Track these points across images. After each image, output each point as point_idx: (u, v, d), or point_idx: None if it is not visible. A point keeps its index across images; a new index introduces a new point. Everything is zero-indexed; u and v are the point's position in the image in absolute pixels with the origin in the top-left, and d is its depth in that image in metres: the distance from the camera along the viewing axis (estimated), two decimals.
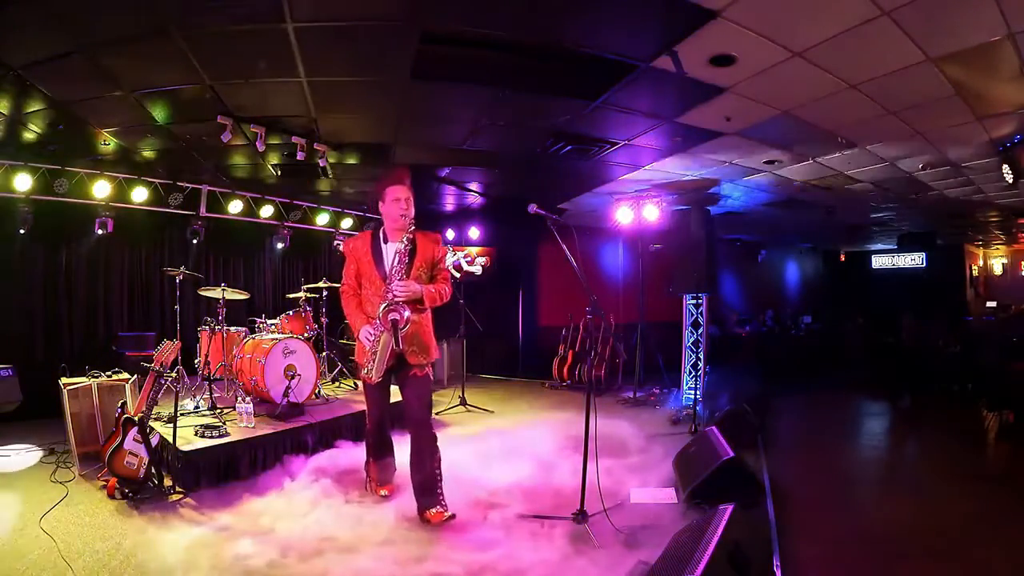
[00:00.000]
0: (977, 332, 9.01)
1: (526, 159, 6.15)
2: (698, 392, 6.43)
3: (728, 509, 2.51)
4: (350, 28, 3.43)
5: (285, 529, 3.21)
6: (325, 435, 4.71)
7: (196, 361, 5.86)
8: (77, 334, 6.52)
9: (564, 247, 3.29)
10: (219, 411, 4.86)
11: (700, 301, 6.93)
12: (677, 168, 6.44)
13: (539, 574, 2.78)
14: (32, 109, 4.59)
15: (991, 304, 13.40)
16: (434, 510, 3.28)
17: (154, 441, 3.72)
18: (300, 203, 8.04)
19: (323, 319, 6.60)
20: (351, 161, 6.22)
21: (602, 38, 3.60)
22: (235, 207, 7.34)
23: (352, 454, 4.42)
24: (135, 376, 4.47)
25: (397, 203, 3.28)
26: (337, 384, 6.43)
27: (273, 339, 5.07)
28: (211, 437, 4.12)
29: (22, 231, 5.98)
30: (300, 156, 5.30)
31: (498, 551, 2.96)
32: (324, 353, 6.42)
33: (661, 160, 6.13)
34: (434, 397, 4.17)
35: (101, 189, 6.23)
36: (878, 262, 14.74)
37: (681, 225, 6.67)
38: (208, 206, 7.21)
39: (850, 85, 4.08)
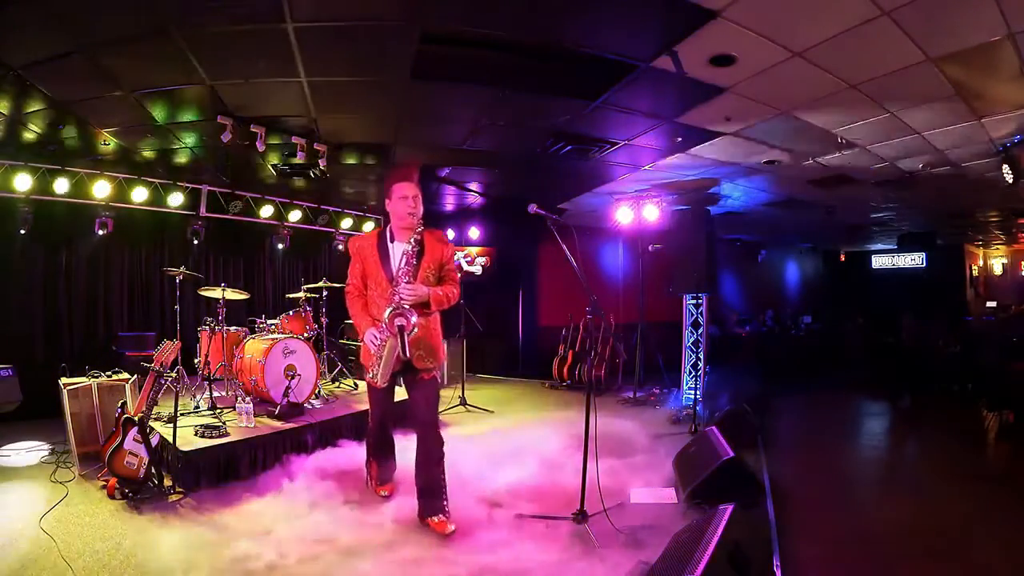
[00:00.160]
0: (977, 332, 9.01)
1: (526, 159, 6.15)
2: (698, 392, 6.43)
3: (728, 509, 2.51)
4: (350, 28, 3.43)
5: (285, 530, 3.21)
6: (325, 435, 4.71)
7: (196, 361, 5.85)
8: (77, 334, 6.52)
9: (564, 247, 3.28)
10: (219, 411, 4.86)
11: (700, 301, 6.93)
12: (677, 168, 6.45)
13: (538, 574, 2.77)
14: (32, 109, 4.59)
15: (991, 304, 13.39)
16: (437, 518, 3.21)
17: (154, 441, 3.72)
18: (300, 203, 8.05)
19: (323, 319, 6.60)
20: (351, 161, 6.22)
21: (602, 38, 3.60)
22: (235, 207, 7.34)
23: (352, 454, 4.42)
24: (135, 376, 4.46)
25: (404, 201, 3.14)
26: (337, 384, 6.43)
27: (273, 339, 5.07)
28: (211, 437, 4.12)
29: (22, 231, 5.98)
30: (300, 156, 5.31)
31: (498, 552, 2.95)
32: (324, 353, 6.41)
33: (661, 160, 6.13)
34: None
35: (101, 189, 6.23)
36: (878, 262, 14.74)
37: (681, 225, 6.67)
38: (208, 206, 7.22)
39: (850, 85, 4.08)
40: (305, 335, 5.66)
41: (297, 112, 4.74)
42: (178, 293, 5.63)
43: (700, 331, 6.92)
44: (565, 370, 8.01)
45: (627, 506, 3.62)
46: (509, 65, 3.94)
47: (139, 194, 6.55)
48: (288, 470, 4.09)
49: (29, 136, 5.25)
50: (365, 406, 5.34)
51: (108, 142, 5.42)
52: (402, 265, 3.11)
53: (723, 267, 9.72)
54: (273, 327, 5.69)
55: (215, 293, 5.53)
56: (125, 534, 3.14)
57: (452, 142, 5.58)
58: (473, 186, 7.66)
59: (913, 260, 13.91)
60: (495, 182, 7.37)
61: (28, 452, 4.54)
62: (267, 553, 2.90)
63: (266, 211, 7.70)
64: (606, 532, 3.15)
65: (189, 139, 5.51)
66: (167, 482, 3.78)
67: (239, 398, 4.70)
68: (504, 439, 5.14)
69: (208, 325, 5.64)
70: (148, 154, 5.92)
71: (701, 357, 6.81)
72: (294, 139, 5.20)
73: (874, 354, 9.89)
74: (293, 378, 4.89)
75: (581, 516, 3.24)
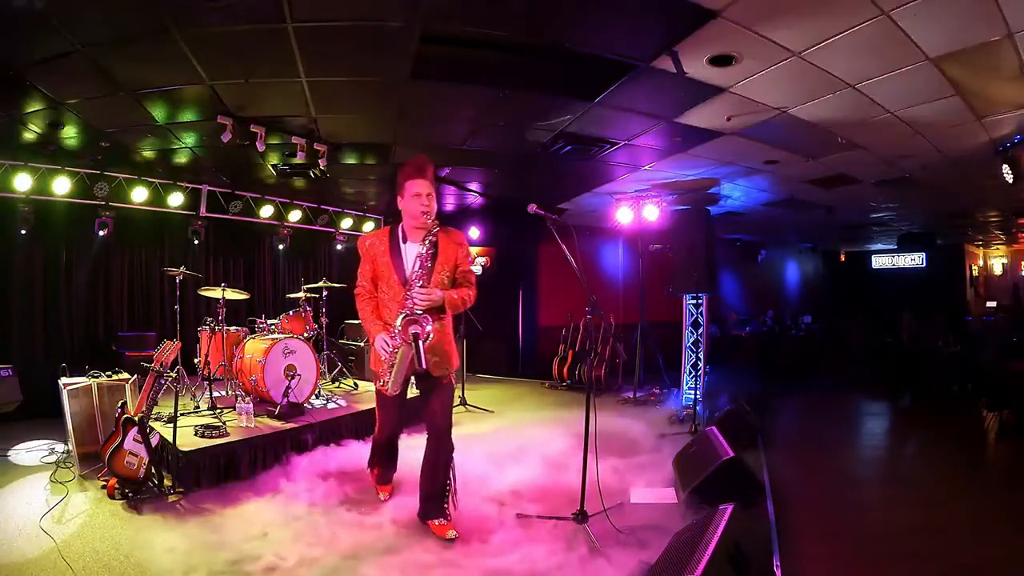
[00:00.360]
0: (977, 332, 9.01)
1: (526, 159, 6.14)
2: (698, 392, 6.43)
3: (728, 509, 2.51)
4: (350, 28, 3.43)
5: (285, 531, 3.21)
6: (325, 435, 4.71)
7: (196, 361, 5.86)
8: (77, 334, 6.52)
9: (564, 247, 3.27)
10: (219, 411, 4.86)
11: (700, 301, 6.93)
12: (677, 168, 6.44)
13: (535, 574, 2.77)
14: (32, 109, 4.59)
15: (991, 304, 13.39)
16: (438, 521, 3.18)
17: (154, 441, 3.72)
18: (300, 203, 8.05)
19: (323, 319, 6.60)
20: (351, 161, 6.23)
21: (602, 38, 3.60)
22: (235, 207, 7.34)
23: (353, 454, 4.43)
24: (135, 376, 4.46)
25: (418, 198, 2.98)
26: (337, 384, 6.43)
27: (273, 339, 5.08)
28: (211, 437, 4.12)
29: (22, 231, 5.98)
30: (300, 156, 5.31)
31: (506, 554, 2.95)
32: (324, 353, 6.42)
33: (661, 160, 6.13)
34: None
35: (100, 189, 6.23)
36: (878, 262, 14.74)
37: (681, 225, 6.67)
38: (208, 206, 7.22)
39: (850, 85, 4.08)
40: (305, 335, 5.67)
41: (297, 112, 4.74)
42: (178, 293, 5.64)
43: (700, 331, 6.92)
44: (565, 370, 8.02)
45: (627, 506, 3.63)
46: (509, 65, 3.94)
47: (139, 194, 6.55)
48: (288, 470, 4.10)
49: (29, 136, 5.25)
50: (365, 406, 5.37)
51: (108, 142, 5.42)
52: (416, 268, 2.96)
53: (723, 267, 9.72)
54: (273, 327, 5.70)
55: (215, 293, 5.53)
56: (125, 534, 3.14)
57: (452, 142, 5.58)
58: (473, 186, 7.66)
59: (913, 260, 13.93)
60: (495, 182, 7.37)
61: (30, 452, 4.53)
62: (266, 555, 2.89)
63: (266, 211, 7.70)
64: (606, 532, 3.15)
65: (189, 139, 5.51)
66: (167, 482, 3.79)
67: (239, 398, 4.70)
68: (505, 439, 5.14)
69: (208, 325, 5.65)
70: (148, 154, 5.92)
71: (701, 357, 6.81)
72: (294, 139, 5.20)
73: (874, 354, 9.89)
74: (293, 378, 4.89)
75: (581, 516, 3.24)
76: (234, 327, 5.63)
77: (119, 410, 3.78)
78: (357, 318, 7.62)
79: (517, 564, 2.84)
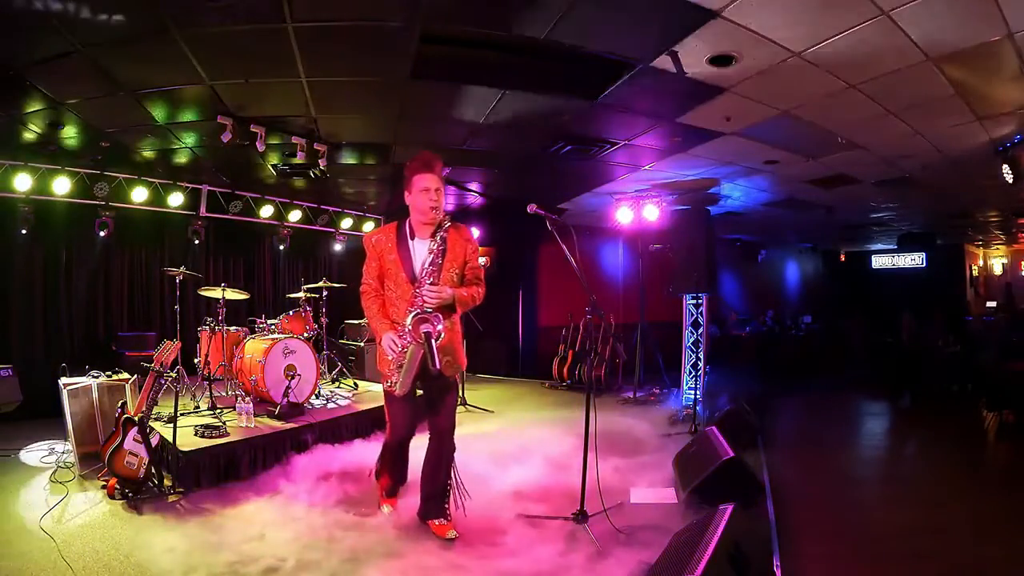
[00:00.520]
0: (977, 332, 9.01)
1: (526, 159, 6.15)
2: (698, 392, 6.43)
3: (728, 509, 2.51)
4: (350, 28, 3.43)
5: (285, 531, 3.20)
6: (325, 435, 4.71)
7: (196, 361, 5.86)
8: (77, 334, 6.52)
9: (564, 247, 3.26)
10: (219, 411, 4.86)
11: (700, 301, 6.93)
12: (677, 168, 6.45)
13: (536, 574, 2.77)
14: (32, 109, 4.59)
15: (991, 304, 13.40)
16: (439, 521, 3.18)
17: (154, 441, 3.72)
18: (300, 203, 8.05)
19: (323, 319, 6.61)
20: (351, 161, 6.22)
21: (602, 38, 3.60)
22: (235, 207, 7.34)
23: (353, 454, 4.43)
24: (135, 376, 4.46)
25: (426, 193, 2.90)
26: (337, 384, 6.43)
27: (273, 339, 5.08)
28: (211, 437, 4.12)
29: (22, 231, 5.98)
30: (300, 156, 5.31)
31: (501, 554, 2.95)
32: (324, 353, 6.42)
33: (661, 160, 6.13)
34: None
35: (101, 189, 6.23)
36: (878, 262, 14.75)
37: (681, 225, 6.67)
38: (208, 206, 7.22)
39: (850, 85, 4.08)
40: (305, 335, 5.67)
41: (297, 112, 4.74)
42: (178, 293, 5.64)
43: (700, 331, 6.92)
44: (565, 370, 8.01)
45: (627, 506, 3.63)
46: (509, 65, 3.94)
47: (139, 194, 6.55)
48: (288, 470, 4.10)
49: (29, 136, 5.25)
50: (365, 406, 5.38)
51: (108, 142, 5.42)
52: (426, 265, 2.89)
53: (723, 267, 9.71)
54: (273, 327, 5.70)
55: (215, 293, 5.53)
56: (125, 534, 3.14)
57: (452, 142, 5.58)
58: (473, 186, 7.66)
59: (913, 260, 13.93)
60: (495, 182, 7.37)
61: (30, 452, 4.53)
62: (266, 556, 2.89)
63: (266, 211, 7.70)
64: (606, 532, 3.15)
65: (189, 139, 5.51)
66: (167, 482, 3.79)
67: (239, 398, 4.70)
68: (505, 439, 5.15)
69: (208, 325, 5.65)
70: (148, 154, 5.92)
71: (701, 357, 6.81)
72: (294, 139, 5.20)
73: (874, 354, 9.89)
74: (293, 378, 4.89)
75: (581, 516, 3.24)
76: (234, 327, 5.64)
77: (119, 410, 3.78)
78: (357, 318, 7.66)
79: (520, 565, 2.84)
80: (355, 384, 6.39)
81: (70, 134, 5.23)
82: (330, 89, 4.35)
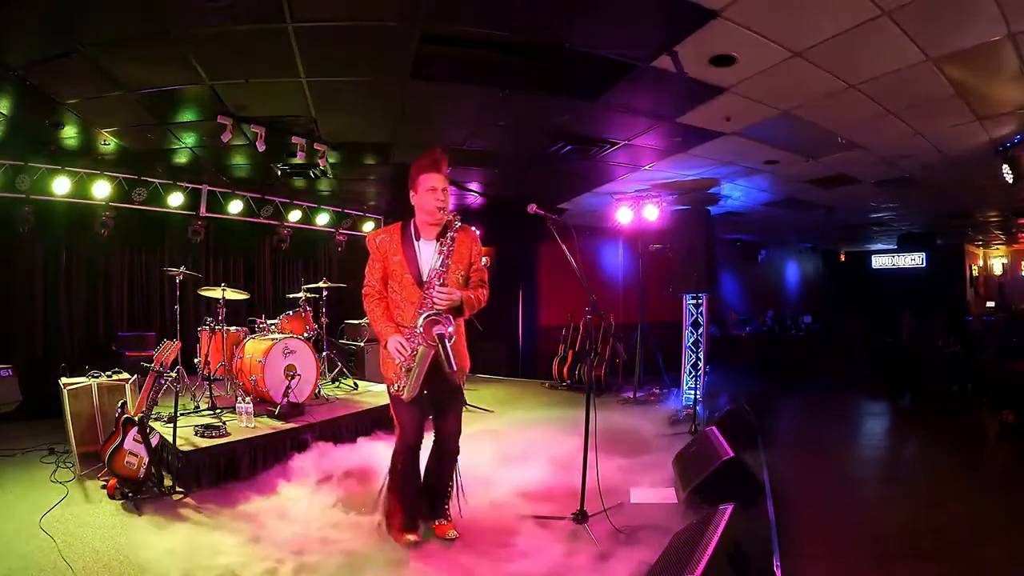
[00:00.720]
0: (977, 332, 9.01)
1: (526, 159, 6.15)
2: (698, 392, 6.43)
3: (728, 509, 2.51)
4: (350, 28, 3.43)
5: (284, 532, 3.20)
6: (325, 435, 4.70)
7: (196, 361, 5.86)
8: (77, 334, 6.52)
9: (564, 247, 3.26)
10: (219, 411, 4.86)
11: (700, 301, 6.93)
12: (677, 168, 6.45)
13: (536, 574, 2.77)
14: (32, 109, 4.59)
15: (991, 304, 13.40)
16: (439, 522, 3.17)
17: (154, 441, 3.71)
18: (300, 203, 8.05)
19: (323, 319, 6.60)
20: (351, 161, 6.22)
21: (602, 38, 3.60)
22: (235, 207, 7.34)
23: (353, 454, 4.42)
24: (135, 376, 4.46)
25: (433, 193, 2.83)
26: (337, 384, 6.43)
27: (273, 339, 5.07)
28: (211, 437, 4.12)
29: (22, 231, 5.98)
30: (300, 156, 5.31)
31: (497, 553, 2.95)
32: (324, 353, 6.42)
33: (661, 160, 6.13)
34: None
35: (101, 189, 6.23)
36: (878, 262, 14.75)
37: (681, 225, 6.67)
38: (208, 206, 7.22)
39: (850, 85, 4.08)
40: (305, 335, 5.66)
41: (297, 112, 4.74)
42: (178, 293, 5.64)
43: (700, 331, 6.92)
44: (565, 370, 8.01)
45: (627, 506, 3.63)
46: (509, 65, 3.94)
47: (139, 194, 6.54)
48: (288, 470, 4.10)
49: (30, 136, 5.25)
50: (365, 406, 5.37)
51: (108, 142, 5.42)
52: (436, 266, 2.82)
53: (723, 267, 9.71)
54: (273, 327, 5.69)
55: (215, 293, 5.53)
56: (125, 534, 3.13)
57: (452, 142, 5.58)
58: (473, 186, 7.66)
59: (913, 260, 13.94)
60: (495, 182, 7.37)
61: (30, 452, 4.53)
62: (266, 558, 2.88)
63: (266, 211, 7.69)
64: (606, 532, 3.15)
65: (189, 139, 5.51)
66: (167, 482, 3.79)
67: (239, 398, 4.70)
68: (506, 439, 5.14)
69: (208, 325, 5.64)
70: (147, 154, 5.92)
71: (701, 357, 6.81)
72: (294, 139, 5.20)
73: (874, 354, 9.89)
74: (293, 378, 4.89)
75: (581, 516, 3.24)
76: (234, 327, 5.63)
77: (119, 410, 3.78)
78: (357, 318, 7.65)
79: (520, 565, 2.84)
80: (355, 384, 6.39)
81: (70, 134, 5.24)
82: (330, 89, 4.35)
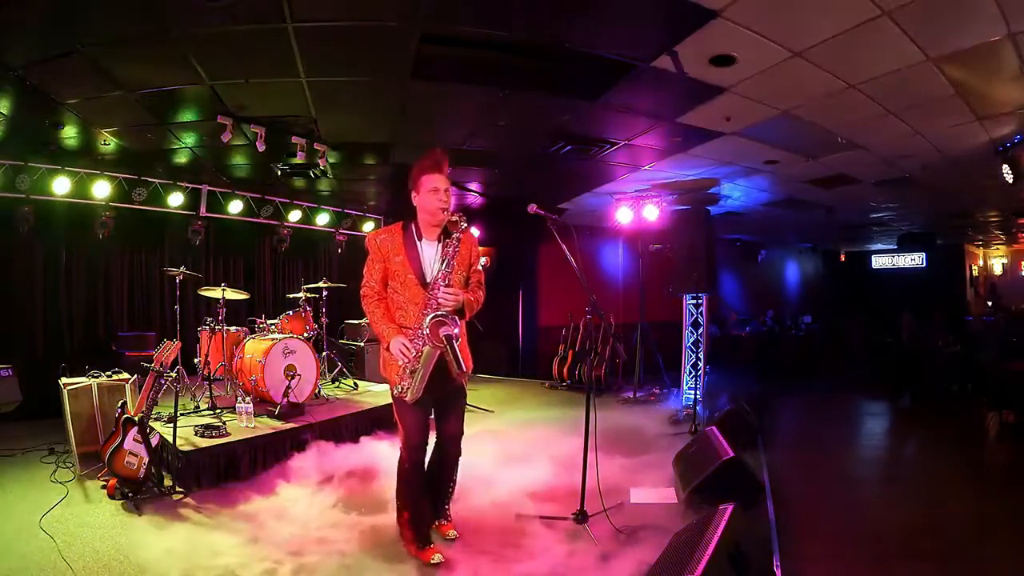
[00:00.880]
0: (977, 332, 9.01)
1: (526, 159, 6.15)
2: (698, 392, 6.43)
3: (728, 509, 2.51)
4: (350, 28, 3.43)
5: (284, 532, 3.20)
6: (325, 435, 4.70)
7: (196, 361, 5.86)
8: (77, 334, 6.53)
9: (564, 247, 3.26)
10: (219, 411, 4.86)
11: (700, 301, 6.93)
12: (677, 168, 6.45)
13: (536, 574, 2.77)
14: (32, 109, 4.59)
15: (991, 303, 13.39)
16: (439, 521, 3.17)
17: (154, 441, 3.71)
18: (300, 203, 8.05)
19: (323, 319, 6.60)
20: (351, 161, 6.22)
21: (602, 38, 3.60)
22: (235, 207, 7.34)
23: (353, 454, 4.42)
24: (135, 376, 4.46)
25: (435, 193, 2.82)
26: (337, 384, 6.43)
27: (273, 339, 5.07)
28: (211, 437, 4.12)
29: (22, 231, 5.98)
30: (300, 156, 5.31)
31: (496, 553, 2.95)
32: (324, 353, 6.42)
33: (661, 160, 6.13)
34: None
35: (101, 189, 6.23)
36: (878, 262, 14.75)
37: (681, 225, 6.67)
38: (208, 206, 7.22)
39: (850, 85, 4.08)
40: (305, 335, 5.66)
41: (297, 112, 4.74)
42: (178, 293, 5.64)
43: (700, 331, 6.92)
44: (565, 370, 8.01)
45: (627, 506, 3.63)
46: (509, 65, 3.94)
47: (139, 194, 6.54)
48: (288, 471, 4.10)
49: (30, 136, 5.25)
50: (365, 406, 5.37)
51: (108, 142, 5.42)
52: (442, 267, 2.80)
53: (723, 267, 9.72)
54: (273, 327, 5.69)
55: (215, 293, 5.53)
56: (125, 534, 3.14)
57: (452, 142, 5.58)
58: (473, 186, 7.66)
59: (913, 260, 13.94)
60: (495, 182, 7.37)
61: (30, 452, 4.53)
62: (265, 558, 2.88)
63: (266, 211, 7.69)
64: (606, 532, 3.16)
65: (189, 139, 5.51)
66: (167, 482, 3.79)
67: (239, 398, 4.70)
68: (506, 439, 5.14)
69: (208, 325, 5.64)
70: (147, 154, 5.92)
71: (701, 357, 6.81)
72: (294, 139, 5.20)
73: (874, 354, 9.89)
74: (293, 378, 4.89)
75: (581, 516, 3.24)
76: (234, 327, 5.63)
77: (119, 410, 3.79)
78: (357, 318, 7.63)
79: (519, 565, 2.84)
80: (355, 384, 6.39)
81: (70, 134, 5.23)
82: (330, 89, 4.34)
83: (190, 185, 6.97)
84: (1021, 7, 3.05)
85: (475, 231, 9.33)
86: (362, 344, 7.15)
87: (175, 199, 6.84)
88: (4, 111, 4.64)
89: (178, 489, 3.71)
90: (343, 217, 8.65)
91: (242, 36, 3.48)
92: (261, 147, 5.01)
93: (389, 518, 3.28)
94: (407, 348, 2.72)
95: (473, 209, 9.03)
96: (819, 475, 4.61)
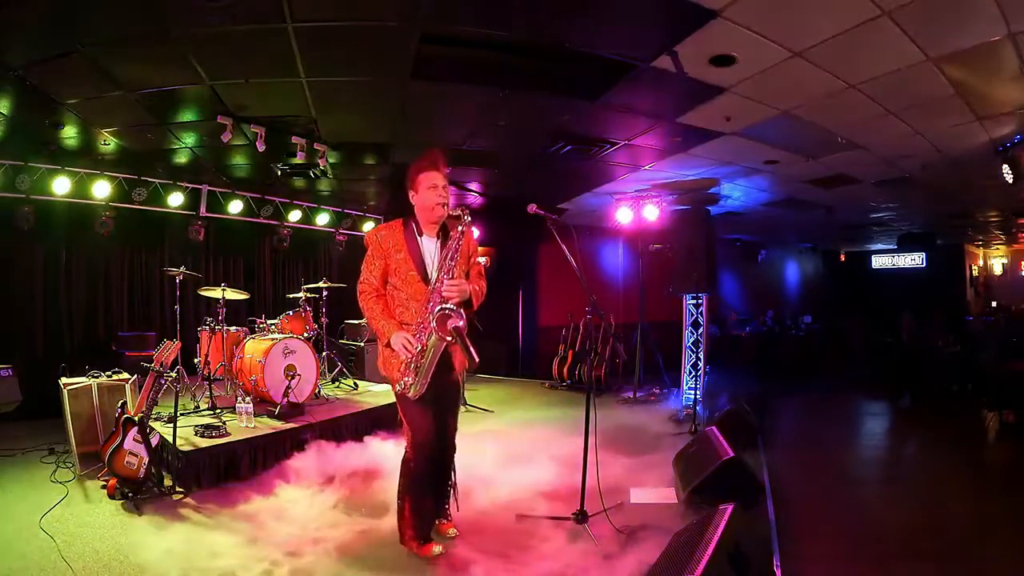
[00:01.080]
0: (977, 332, 9.01)
1: (526, 159, 6.15)
2: (698, 392, 6.43)
3: (728, 509, 2.51)
4: (350, 28, 3.43)
5: (284, 533, 3.20)
6: (325, 435, 4.70)
7: (196, 361, 5.86)
8: (77, 334, 6.52)
9: (564, 247, 3.26)
10: (219, 411, 4.86)
11: (700, 301, 6.93)
12: (677, 168, 6.45)
13: (536, 574, 2.77)
14: (32, 109, 4.59)
15: (992, 304, 13.40)
16: (438, 521, 3.17)
17: (154, 441, 3.71)
18: (300, 203, 8.05)
19: (323, 319, 6.60)
20: (351, 161, 6.22)
21: (602, 38, 3.60)
22: (235, 207, 7.34)
23: (354, 454, 4.41)
24: (135, 376, 4.46)
25: (434, 190, 2.85)
26: (337, 384, 6.43)
27: (273, 339, 5.07)
28: (211, 437, 4.12)
29: (22, 231, 5.98)
30: (300, 156, 5.31)
31: (496, 554, 2.94)
32: (324, 353, 6.42)
33: (661, 160, 6.14)
34: None
35: (101, 189, 6.23)
36: (878, 262, 14.76)
37: (681, 225, 6.67)
38: (208, 206, 7.22)
39: (850, 85, 4.08)
40: (305, 335, 5.66)
41: (297, 112, 4.74)
42: (178, 293, 5.64)
43: (700, 331, 6.92)
44: (565, 370, 8.01)
45: (627, 506, 3.62)
46: (509, 65, 3.94)
47: (139, 194, 6.54)
48: (288, 471, 4.09)
49: (30, 136, 5.25)
50: (365, 406, 5.37)
51: (108, 142, 5.42)
52: (445, 261, 2.81)
53: (723, 267, 9.72)
54: (273, 327, 5.69)
55: (215, 293, 5.53)
56: (125, 534, 3.14)
57: (452, 142, 5.58)
58: (473, 186, 7.66)
59: (913, 260, 13.94)
60: (495, 182, 7.37)
61: (30, 452, 4.53)
62: (264, 559, 2.87)
63: (266, 211, 7.69)
64: (606, 532, 3.15)
65: (189, 139, 5.51)
66: (167, 482, 3.79)
67: (239, 398, 4.70)
68: (505, 439, 5.14)
69: (208, 325, 5.64)
70: (147, 154, 5.92)
71: (701, 357, 6.81)
72: (294, 139, 5.20)
73: (874, 354, 9.89)
74: (293, 378, 4.89)
75: (581, 516, 3.24)
76: (234, 327, 5.63)
77: (119, 410, 3.78)
78: (357, 318, 7.62)
79: (519, 566, 2.83)
80: (355, 384, 6.39)
81: (70, 134, 5.23)
82: (330, 89, 4.35)
83: (190, 185, 6.97)
84: (1021, 7, 3.05)
85: (475, 231, 9.35)
86: (362, 344, 7.15)
87: (175, 199, 6.84)
88: (4, 111, 4.64)
89: (178, 489, 3.71)
90: (343, 217, 8.65)
91: (242, 36, 3.48)
92: (261, 147, 5.01)
93: (389, 519, 3.27)
94: (410, 343, 2.70)
95: (473, 209, 9.02)
96: (819, 475, 4.61)
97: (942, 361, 7.89)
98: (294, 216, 8.00)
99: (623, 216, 7.58)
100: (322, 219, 8.36)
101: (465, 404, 6.55)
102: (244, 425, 4.45)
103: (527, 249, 9.57)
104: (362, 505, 3.59)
